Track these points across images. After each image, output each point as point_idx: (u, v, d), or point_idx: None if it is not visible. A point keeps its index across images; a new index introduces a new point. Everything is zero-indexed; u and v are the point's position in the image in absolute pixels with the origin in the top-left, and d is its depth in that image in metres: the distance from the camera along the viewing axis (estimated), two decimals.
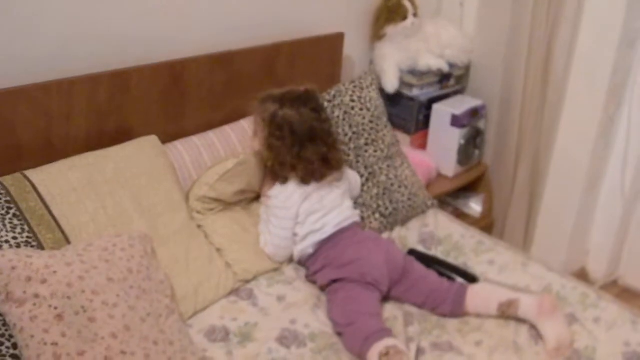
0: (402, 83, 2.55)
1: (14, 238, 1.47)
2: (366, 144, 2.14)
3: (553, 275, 1.90)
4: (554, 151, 2.60)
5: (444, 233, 2.12)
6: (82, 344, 1.30)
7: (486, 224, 2.73)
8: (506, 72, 2.61)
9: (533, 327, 1.69)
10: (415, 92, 2.58)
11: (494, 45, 2.65)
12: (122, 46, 1.90)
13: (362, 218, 2.04)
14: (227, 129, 2.06)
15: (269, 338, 1.61)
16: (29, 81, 1.68)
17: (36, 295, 1.32)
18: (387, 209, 2.10)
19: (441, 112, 2.59)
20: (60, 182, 1.61)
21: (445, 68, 2.60)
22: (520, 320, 1.72)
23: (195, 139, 1.98)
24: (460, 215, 2.67)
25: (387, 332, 1.60)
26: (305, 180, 1.84)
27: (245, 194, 1.93)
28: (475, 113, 2.62)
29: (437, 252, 2.05)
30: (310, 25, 2.36)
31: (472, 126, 2.62)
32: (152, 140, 1.86)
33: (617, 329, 1.69)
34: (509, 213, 2.71)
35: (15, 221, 1.50)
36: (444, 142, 2.60)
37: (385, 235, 2.08)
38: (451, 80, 2.71)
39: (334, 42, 2.41)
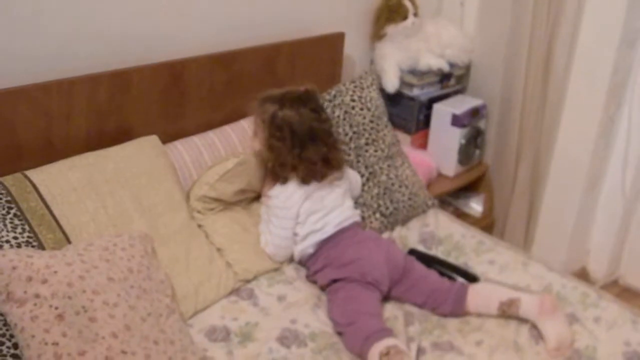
0: (403, 83, 2.55)
1: (15, 238, 1.47)
2: (367, 144, 2.14)
3: (553, 275, 1.90)
4: (555, 151, 2.60)
5: (444, 233, 2.12)
6: (83, 344, 1.30)
7: (487, 224, 2.73)
8: (506, 71, 2.61)
9: (534, 326, 1.69)
10: (415, 92, 2.58)
11: (495, 45, 2.65)
12: (122, 46, 1.90)
13: (363, 218, 2.04)
14: (228, 128, 2.06)
15: (270, 338, 1.61)
16: (29, 81, 1.68)
17: (37, 295, 1.32)
18: (387, 208, 2.10)
19: (442, 112, 2.59)
20: (60, 182, 1.62)
21: (446, 68, 2.60)
22: (521, 320, 1.72)
23: (196, 139, 1.98)
24: (461, 215, 2.67)
25: (387, 332, 1.60)
26: (305, 181, 1.84)
27: (245, 194, 1.93)
28: (475, 113, 2.62)
29: (437, 251, 2.05)
30: (311, 25, 2.36)
31: (472, 126, 2.62)
32: (153, 140, 1.86)
33: (617, 329, 1.70)
34: (510, 213, 2.71)
35: (16, 221, 1.50)
36: (444, 142, 2.60)
37: (385, 235, 2.08)
38: (451, 80, 2.71)
39: (335, 41, 2.41)
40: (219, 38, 2.10)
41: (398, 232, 2.11)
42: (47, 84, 1.70)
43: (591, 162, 2.53)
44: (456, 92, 2.74)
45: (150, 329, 1.42)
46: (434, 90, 2.65)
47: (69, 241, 1.56)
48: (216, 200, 1.85)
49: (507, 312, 1.72)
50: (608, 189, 2.68)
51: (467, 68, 2.76)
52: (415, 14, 2.52)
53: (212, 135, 2.01)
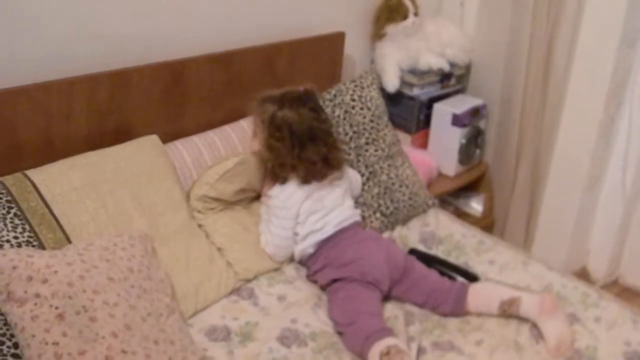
0: (403, 82, 2.55)
1: (15, 237, 1.47)
2: (367, 143, 2.14)
3: (554, 275, 1.90)
4: (555, 150, 2.60)
5: (444, 232, 2.12)
6: (83, 344, 1.30)
7: (487, 224, 2.73)
8: (507, 71, 2.61)
9: (534, 326, 1.69)
10: (415, 92, 2.58)
11: (495, 45, 2.65)
12: (122, 46, 1.90)
13: (363, 217, 2.04)
14: (228, 128, 2.06)
15: (270, 337, 1.61)
16: (29, 81, 1.68)
17: (37, 295, 1.32)
18: (387, 208, 2.10)
19: (442, 112, 2.59)
20: (60, 181, 1.62)
21: (446, 67, 2.60)
22: (522, 320, 1.72)
23: (196, 139, 1.98)
24: (461, 215, 2.67)
25: (387, 332, 1.60)
26: (305, 180, 1.84)
27: (245, 193, 1.93)
28: (476, 112, 2.62)
29: (437, 251, 2.05)
30: (311, 25, 2.36)
31: (472, 125, 2.62)
32: (153, 139, 1.86)
33: (617, 328, 1.69)
34: (510, 212, 2.71)
35: (16, 221, 1.50)
36: (444, 142, 2.60)
37: (386, 234, 2.07)
38: (452, 80, 2.71)
39: (335, 41, 2.41)
40: (219, 38, 2.10)
41: (398, 232, 2.11)
42: (47, 83, 1.70)
43: (591, 162, 2.53)
44: (456, 92, 2.74)
45: (151, 328, 1.42)
46: (434, 90, 2.65)
47: (69, 241, 1.56)
48: (216, 199, 1.85)
49: (508, 312, 1.72)
50: (608, 188, 2.67)
51: (468, 68, 2.76)
52: (416, 14, 2.53)
53: (212, 134, 2.01)
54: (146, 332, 1.40)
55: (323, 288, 1.82)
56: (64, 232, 1.56)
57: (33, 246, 1.49)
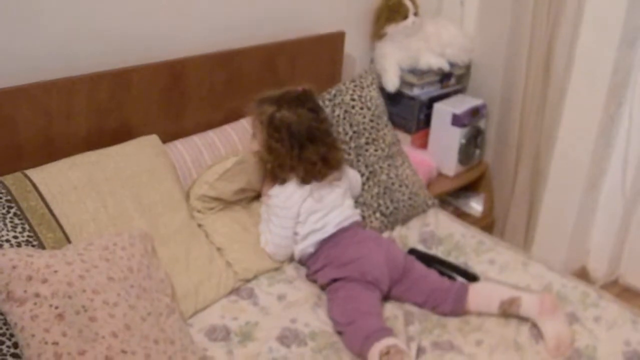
0: (403, 82, 2.55)
1: (15, 237, 1.47)
2: (367, 143, 2.14)
3: (553, 275, 1.90)
4: (555, 150, 2.60)
5: (444, 232, 2.12)
6: (83, 343, 1.30)
7: (487, 224, 2.73)
8: (507, 71, 2.61)
9: (534, 326, 1.69)
10: (415, 91, 2.58)
11: (495, 45, 2.65)
12: (122, 45, 1.90)
13: (363, 217, 2.03)
14: (228, 128, 2.06)
15: (270, 337, 1.61)
16: (29, 80, 1.68)
17: (37, 295, 1.32)
18: (387, 208, 2.10)
19: (442, 111, 2.59)
20: (60, 181, 1.61)
21: (446, 67, 2.60)
22: (521, 319, 1.72)
23: (196, 138, 1.98)
24: (461, 215, 2.67)
25: (387, 331, 1.60)
26: (305, 181, 1.84)
27: (245, 193, 1.93)
28: (475, 112, 2.62)
29: (437, 251, 2.05)
30: (311, 24, 2.36)
31: (472, 125, 2.62)
32: (153, 139, 1.86)
33: (617, 328, 1.69)
34: (510, 212, 2.71)
35: (16, 220, 1.50)
36: (444, 142, 2.60)
37: (385, 234, 2.07)
38: (452, 80, 2.71)
39: (335, 41, 2.41)
40: (219, 37, 2.10)
41: (398, 232, 2.11)
42: (47, 83, 1.70)
43: (591, 162, 2.53)
44: (456, 92, 2.74)
45: (150, 328, 1.42)
46: (434, 90, 2.65)
47: (69, 240, 1.56)
48: (216, 199, 1.85)
49: (508, 311, 1.72)
50: (608, 188, 2.67)
51: (468, 68, 2.76)
52: (416, 14, 2.53)
53: (212, 134, 2.01)
54: (146, 331, 1.40)
55: (323, 288, 1.82)
56: (63, 231, 1.56)
57: (33, 246, 1.49)
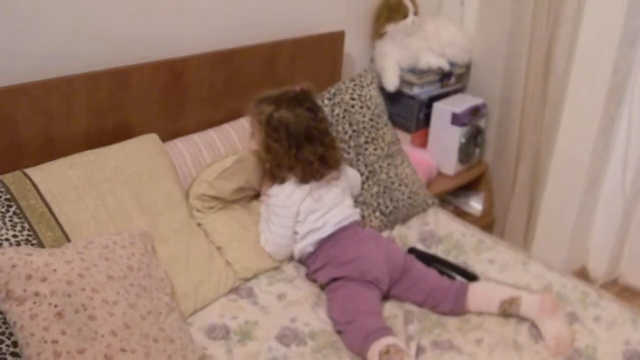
0: (403, 81, 2.55)
1: (14, 236, 1.47)
2: (366, 142, 2.14)
3: (553, 274, 1.90)
4: (555, 150, 2.60)
5: (444, 231, 2.12)
6: (82, 342, 1.30)
7: (486, 223, 2.73)
8: (507, 71, 2.61)
9: (533, 325, 1.69)
10: (415, 91, 2.58)
11: (495, 44, 2.65)
12: (122, 44, 1.89)
13: (363, 216, 2.03)
14: (228, 127, 2.06)
15: (269, 336, 1.61)
16: (29, 79, 1.68)
17: (36, 294, 1.32)
18: (387, 207, 2.10)
19: (442, 111, 2.59)
20: (60, 180, 1.61)
21: (446, 66, 2.60)
22: (521, 319, 1.72)
23: (196, 137, 1.98)
24: (461, 214, 2.67)
25: (387, 331, 1.60)
26: (303, 180, 1.84)
27: (244, 192, 1.93)
28: (475, 111, 2.62)
29: (437, 250, 2.05)
30: (311, 24, 2.36)
31: (472, 125, 2.62)
32: (152, 138, 1.86)
33: (617, 328, 1.69)
34: (510, 212, 2.71)
35: (15, 219, 1.50)
36: (444, 141, 2.60)
37: (385, 233, 2.07)
38: (452, 79, 2.71)
39: (335, 40, 2.41)
40: (219, 37, 2.10)
41: (398, 231, 2.11)
42: (47, 82, 1.70)
43: (591, 162, 2.53)
44: (456, 91, 2.74)
45: (150, 327, 1.42)
46: (434, 89, 2.65)
47: (68, 239, 1.56)
48: (215, 198, 1.85)
49: (508, 311, 1.72)
50: (608, 188, 2.67)
51: (467, 67, 2.76)
52: (416, 13, 2.53)
53: (212, 133, 2.01)
54: (145, 330, 1.40)
55: (322, 287, 1.82)
56: (63, 230, 1.56)
57: (32, 245, 1.49)
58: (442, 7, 2.79)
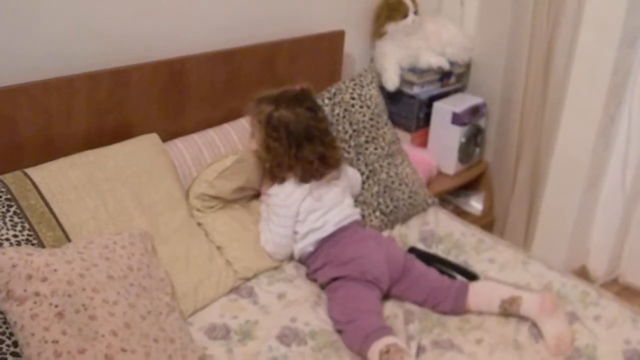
0: (403, 81, 2.55)
1: (15, 236, 1.47)
2: (366, 142, 2.14)
3: (553, 274, 1.90)
4: (555, 150, 2.60)
5: (444, 231, 2.12)
6: (83, 342, 1.30)
7: (487, 222, 2.73)
8: (507, 70, 2.61)
9: (534, 325, 1.69)
10: (415, 90, 2.58)
11: (495, 44, 2.65)
12: (122, 44, 1.89)
13: (363, 216, 2.03)
14: (228, 126, 2.06)
15: (270, 336, 1.61)
16: (29, 79, 1.68)
17: (37, 293, 1.32)
18: (387, 206, 2.10)
19: (442, 110, 2.59)
20: (60, 179, 1.61)
21: (446, 66, 2.60)
22: (521, 318, 1.72)
23: (196, 137, 1.98)
24: (461, 213, 2.67)
25: (387, 330, 1.60)
26: (303, 179, 1.84)
27: (244, 192, 1.93)
28: (475, 111, 2.62)
29: (437, 250, 2.05)
30: (311, 23, 2.36)
31: (472, 124, 2.62)
32: (153, 138, 1.86)
33: (617, 327, 1.70)
34: (510, 211, 2.71)
35: (16, 219, 1.50)
36: (444, 140, 2.60)
37: (385, 233, 2.07)
38: (452, 78, 2.71)
39: (335, 39, 2.41)
40: (219, 36, 2.10)
41: (398, 231, 2.11)
42: (47, 82, 1.70)
43: (591, 162, 2.53)
44: (456, 91, 2.74)
45: (150, 327, 1.42)
46: (434, 89, 2.65)
47: (68, 239, 1.56)
48: (215, 198, 1.85)
49: (508, 310, 1.72)
50: (608, 188, 2.68)
51: (468, 66, 2.76)
52: (416, 12, 2.52)
53: (212, 133, 2.01)
54: (146, 330, 1.40)
55: (323, 286, 1.82)
56: (63, 230, 1.56)
57: (32, 244, 1.49)
58: (442, 7, 2.79)
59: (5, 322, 1.34)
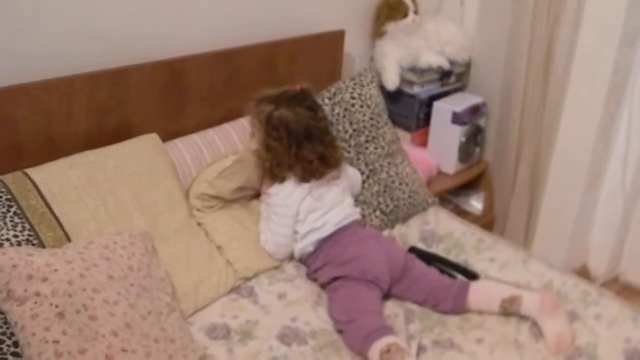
0: (403, 80, 2.55)
1: (15, 236, 1.47)
2: (367, 141, 2.14)
3: (554, 273, 1.90)
4: (555, 149, 2.60)
5: (444, 230, 2.12)
6: (83, 342, 1.30)
7: (487, 222, 2.73)
8: (507, 69, 2.61)
9: (534, 324, 1.69)
10: (415, 90, 2.58)
11: (495, 43, 2.65)
12: (122, 44, 1.89)
13: (363, 215, 2.03)
14: (228, 126, 2.06)
15: (270, 335, 1.61)
16: (29, 79, 1.68)
17: (37, 294, 1.32)
18: (387, 206, 2.10)
19: (442, 110, 2.59)
20: (60, 180, 1.61)
21: (446, 65, 2.60)
22: (522, 318, 1.72)
23: (196, 137, 1.98)
24: (461, 213, 2.67)
25: (388, 330, 1.60)
26: (303, 179, 1.84)
27: (244, 191, 1.93)
28: (475, 110, 2.62)
29: (437, 249, 2.05)
30: (311, 23, 2.36)
31: (472, 123, 2.62)
32: (153, 138, 1.86)
33: (618, 326, 1.69)
34: (510, 211, 2.71)
35: (16, 219, 1.50)
36: (444, 140, 2.60)
37: (385, 232, 2.07)
38: (452, 78, 2.71)
39: (335, 39, 2.41)
40: (219, 36, 2.10)
41: (398, 230, 2.11)
42: (47, 82, 1.70)
43: (591, 162, 2.53)
44: (456, 90, 2.74)
45: (151, 327, 1.42)
46: (434, 88, 2.65)
47: (69, 239, 1.56)
48: (215, 197, 1.85)
49: (509, 310, 1.72)
50: (608, 187, 2.67)
51: (467, 66, 2.76)
52: (415, 12, 2.53)
53: (212, 133, 2.01)
54: (146, 330, 1.40)
55: (323, 286, 1.82)
56: (63, 230, 1.56)
57: (33, 245, 1.49)
58: (442, 6, 2.79)
59: (5, 322, 1.34)
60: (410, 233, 2.11)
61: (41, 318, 1.30)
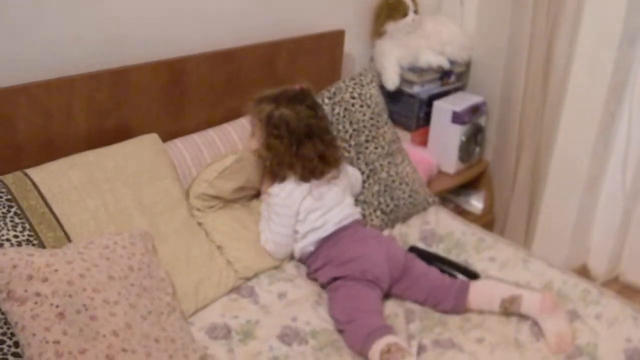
0: (403, 80, 2.55)
1: (15, 236, 1.47)
2: (367, 141, 2.14)
3: (554, 272, 1.90)
4: (555, 149, 2.60)
5: (444, 230, 2.12)
6: (84, 342, 1.30)
7: (487, 221, 2.73)
8: (507, 69, 2.61)
9: (534, 324, 1.69)
10: (415, 89, 2.58)
11: (495, 43, 2.65)
12: (122, 44, 1.89)
13: (363, 215, 2.03)
14: (228, 126, 2.06)
15: (270, 335, 1.61)
16: (29, 79, 1.68)
17: (37, 294, 1.32)
18: (388, 206, 2.10)
19: (442, 109, 2.59)
20: (60, 180, 1.61)
21: (446, 65, 2.60)
22: (522, 317, 1.72)
23: (196, 137, 1.98)
24: (461, 212, 2.67)
25: (388, 329, 1.60)
26: (304, 178, 1.84)
27: (244, 191, 1.93)
28: (475, 110, 2.62)
29: (438, 249, 2.05)
30: (311, 23, 2.36)
31: (472, 123, 2.62)
32: (153, 138, 1.86)
33: (618, 325, 1.69)
34: (510, 210, 2.71)
35: (16, 219, 1.50)
36: (444, 139, 2.60)
37: (386, 232, 2.07)
38: (452, 77, 2.71)
39: (335, 39, 2.41)
40: (219, 36, 2.10)
41: (398, 230, 2.11)
42: (47, 82, 1.70)
43: (591, 161, 2.53)
44: (456, 89, 2.74)
45: (151, 327, 1.42)
46: (434, 88, 2.65)
47: (69, 239, 1.56)
48: (215, 197, 1.85)
49: (509, 309, 1.72)
50: (608, 187, 2.67)
51: (467, 65, 2.76)
52: (415, 11, 2.52)
53: (212, 133, 2.01)
54: (147, 330, 1.40)
55: (323, 286, 1.82)
56: (64, 230, 1.56)
57: (33, 245, 1.49)
58: (442, 6, 2.79)
59: (6, 323, 1.34)
60: (410, 233, 2.11)
61: (41, 318, 1.30)
